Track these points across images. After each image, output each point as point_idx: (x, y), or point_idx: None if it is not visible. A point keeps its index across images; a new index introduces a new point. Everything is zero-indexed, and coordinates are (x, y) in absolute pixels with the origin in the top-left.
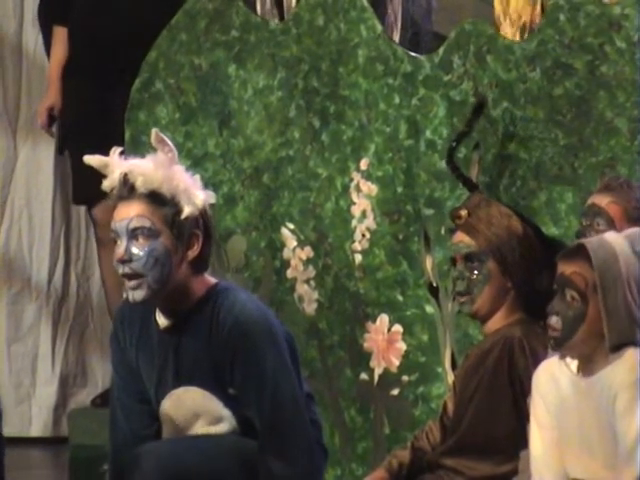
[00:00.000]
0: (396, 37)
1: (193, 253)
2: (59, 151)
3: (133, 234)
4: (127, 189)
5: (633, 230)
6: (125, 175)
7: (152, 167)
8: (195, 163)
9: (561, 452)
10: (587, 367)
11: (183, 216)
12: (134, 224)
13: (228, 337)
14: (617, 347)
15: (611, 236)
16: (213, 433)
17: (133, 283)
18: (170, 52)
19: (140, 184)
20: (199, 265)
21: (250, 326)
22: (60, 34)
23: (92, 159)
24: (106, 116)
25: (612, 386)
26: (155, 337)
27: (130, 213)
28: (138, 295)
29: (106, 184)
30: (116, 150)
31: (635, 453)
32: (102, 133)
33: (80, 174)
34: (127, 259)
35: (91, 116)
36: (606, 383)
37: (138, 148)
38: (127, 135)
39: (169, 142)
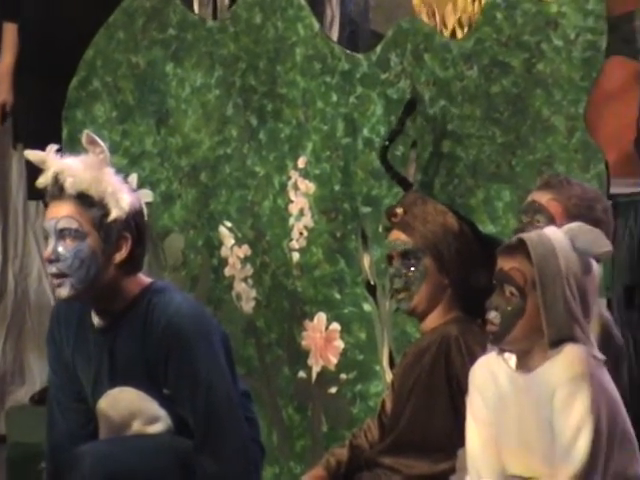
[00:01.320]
0: (334, 35)
1: (121, 256)
2: (13, 147)
3: (61, 234)
4: (57, 188)
5: (572, 225)
6: (56, 175)
7: (82, 168)
8: (132, 162)
9: (499, 448)
10: (526, 363)
11: (110, 219)
12: (62, 224)
13: (162, 336)
14: (556, 343)
15: (550, 231)
16: (149, 433)
17: (58, 281)
18: (107, 50)
19: (69, 185)
20: (130, 266)
21: (184, 325)
22: (10, 30)
23: (31, 154)
24: (56, 113)
25: (550, 382)
26: (91, 337)
27: (59, 213)
28: (62, 293)
29: (40, 181)
30: (52, 147)
31: (572, 449)
32: (53, 130)
33: (34, 170)
34: (54, 259)
35: (42, 113)
36: (544, 379)
37: (75, 146)
38: (65, 133)
39: (101, 143)
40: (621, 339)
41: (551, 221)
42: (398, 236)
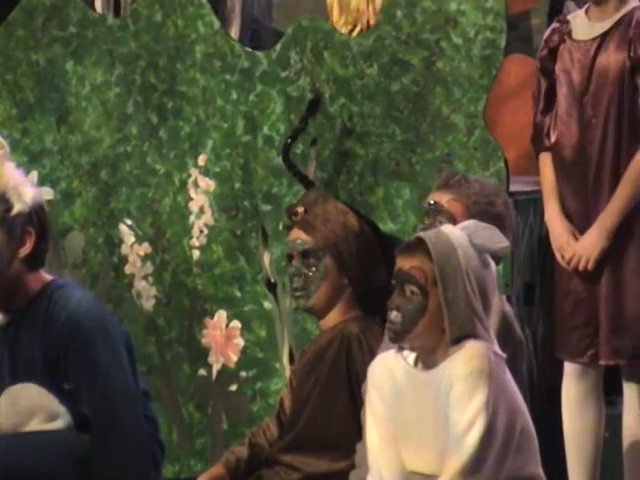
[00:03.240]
0: (236, 33)
1: (25, 250)
2: None
3: None
4: None
5: (469, 223)
6: None
7: None
8: (32, 159)
9: (398, 445)
10: (428, 360)
11: (13, 213)
12: None
13: (62, 333)
14: (457, 339)
15: (449, 229)
16: (49, 429)
17: None
18: (7, 48)
19: None
20: (33, 262)
21: (84, 322)
22: None
23: None
24: None
25: (450, 377)
26: None
27: None
28: None
29: None
30: None
31: (462, 442)
32: None
33: None
34: None
35: None
36: (445, 375)
37: None
38: None
39: (0, 139)
40: (521, 335)
41: (453, 221)
42: (298, 235)
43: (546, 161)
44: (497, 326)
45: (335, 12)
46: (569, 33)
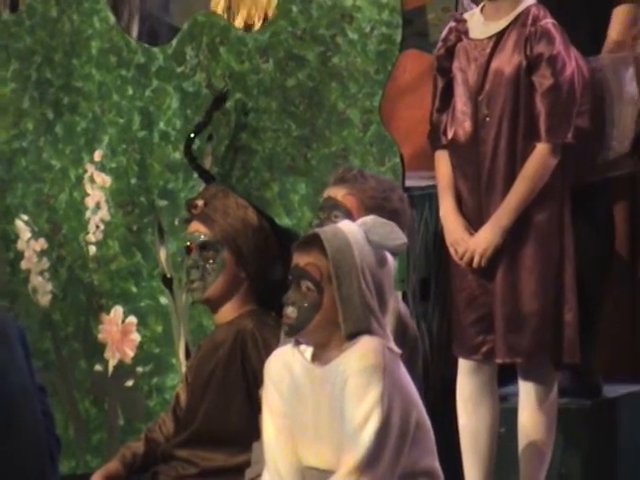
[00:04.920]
0: (133, 29)
1: None
2: None
3: None
4: None
5: (366, 219)
6: None
7: None
8: None
9: (294, 440)
10: (323, 355)
11: None
12: None
13: None
14: (352, 335)
15: (345, 225)
16: None
17: None
18: None
19: None
20: None
21: None
22: None
23: None
24: None
25: (344, 372)
26: None
27: None
28: None
29: None
30: None
31: (358, 438)
32: None
33: None
34: None
35: None
36: (339, 370)
37: None
38: None
39: None
40: (416, 331)
41: (349, 216)
42: (197, 228)
43: (442, 158)
44: (393, 323)
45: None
46: (466, 32)
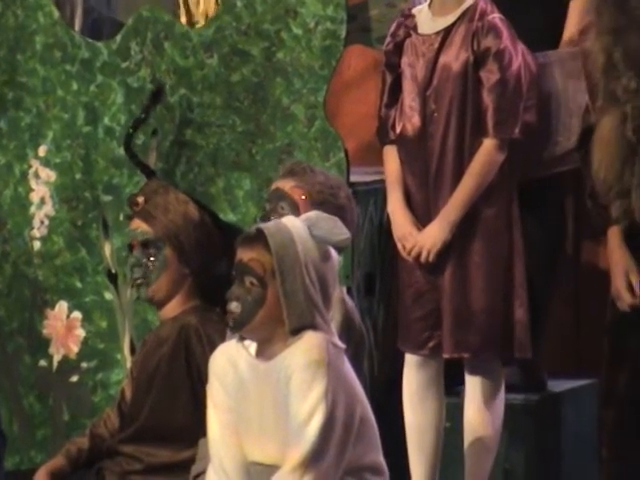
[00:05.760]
0: (76, 23)
1: None
2: None
3: None
4: None
5: (310, 214)
6: None
7: None
8: None
9: (239, 435)
10: (267, 350)
11: None
12: None
13: None
14: (296, 330)
15: (288, 220)
16: None
17: None
18: None
19: None
20: None
21: None
22: None
23: None
24: None
25: (288, 368)
26: None
27: None
28: None
29: None
30: None
31: (303, 433)
32: None
33: None
34: None
35: None
36: (283, 365)
37: None
38: None
39: None
40: (362, 326)
41: (295, 208)
42: (139, 225)
43: (391, 153)
44: (338, 318)
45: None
46: (414, 27)
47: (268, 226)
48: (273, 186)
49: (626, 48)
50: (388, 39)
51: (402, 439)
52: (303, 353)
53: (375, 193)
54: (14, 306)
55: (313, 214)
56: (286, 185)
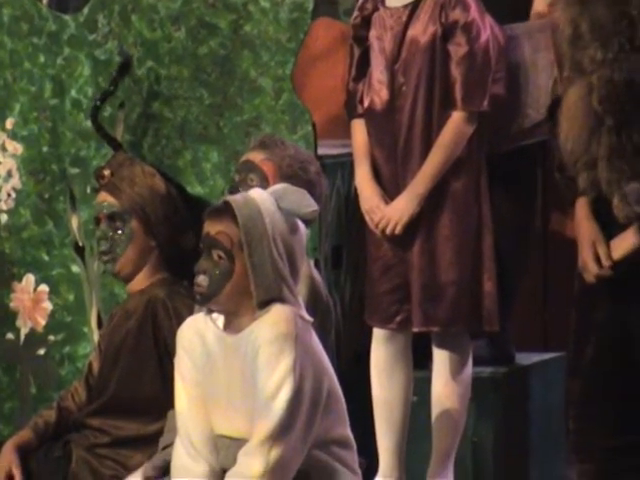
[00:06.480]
0: None
1: None
2: None
3: None
4: None
5: (277, 187)
6: None
7: None
8: None
9: (207, 408)
10: (234, 323)
11: None
12: None
13: None
14: (264, 303)
15: (256, 193)
16: None
17: None
18: None
19: None
20: None
21: None
22: None
23: None
24: None
25: (256, 341)
26: None
27: None
28: None
29: None
30: None
31: (271, 406)
32: None
33: None
34: None
35: None
36: (251, 338)
37: None
38: None
39: None
40: (329, 299)
41: (264, 180)
42: (105, 198)
43: (358, 127)
44: (305, 291)
45: None
46: (382, 0)
47: (235, 199)
48: (243, 158)
49: (592, 19)
50: (356, 12)
51: (369, 412)
52: (271, 326)
53: (343, 166)
54: None
55: (280, 186)
56: (256, 157)
